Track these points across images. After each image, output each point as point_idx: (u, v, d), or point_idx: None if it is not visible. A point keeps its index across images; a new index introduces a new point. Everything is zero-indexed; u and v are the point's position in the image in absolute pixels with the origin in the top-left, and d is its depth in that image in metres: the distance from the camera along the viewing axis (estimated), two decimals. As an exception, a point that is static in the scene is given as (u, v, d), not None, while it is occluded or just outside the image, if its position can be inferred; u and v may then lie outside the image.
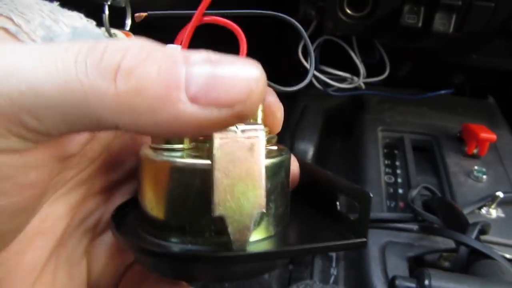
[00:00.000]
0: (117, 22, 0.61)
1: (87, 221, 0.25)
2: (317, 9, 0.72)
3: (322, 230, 0.24)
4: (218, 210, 0.19)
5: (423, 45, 0.69)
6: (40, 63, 0.14)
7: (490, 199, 0.64)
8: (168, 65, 0.14)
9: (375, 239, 0.61)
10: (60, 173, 0.22)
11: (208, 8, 0.23)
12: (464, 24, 0.64)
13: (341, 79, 0.89)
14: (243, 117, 0.15)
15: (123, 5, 0.60)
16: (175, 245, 0.21)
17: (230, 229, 0.19)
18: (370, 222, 0.64)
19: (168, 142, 0.21)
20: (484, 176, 0.70)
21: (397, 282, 0.39)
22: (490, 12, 0.63)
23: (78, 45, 0.15)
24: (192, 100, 0.14)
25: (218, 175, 0.18)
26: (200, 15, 0.19)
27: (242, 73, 0.15)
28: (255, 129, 0.19)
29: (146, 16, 0.22)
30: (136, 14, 0.22)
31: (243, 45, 0.21)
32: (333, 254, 0.72)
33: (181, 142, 0.22)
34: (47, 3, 0.34)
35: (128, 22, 0.63)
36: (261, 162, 0.19)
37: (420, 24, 0.64)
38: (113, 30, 0.56)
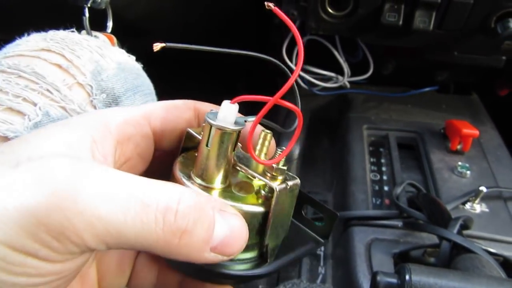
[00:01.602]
0: (99, 24, 0.61)
1: None
2: (299, 9, 0.72)
3: (294, 236, 0.29)
4: (267, 241, 0.25)
5: (404, 43, 0.70)
6: (128, 213, 0.19)
7: (474, 194, 0.65)
8: (209, 227, 0.21)
9: (361, 237, 0.61)
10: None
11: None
12: (444, 22, 0.65)
13: (326, 79, 0.89)
14: None
15: (104, 7, 0.60)
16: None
17: (269, 252, 0.26)
18: (356, 219, 0.64)
19: (203, 179, 0.25)
20: (468, 172, 0.71)
21: (379, 278, 0.39)
22: (469, 9, 0.63)
23: (156, 201, 0.20)
24: (212, 250, 0.22)
25: (273, 218, 0.25)
26: (278, 97, 0.23)
27: (241, 233, 0.23)
28: (294, 177, 0.26)
29: (163, 47, 0.24)
30: (155, 44, 0.24)
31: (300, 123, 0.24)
32: (321, 253, 0.72)
33: (209, 182, 0.25)
34: (94, 39, 0.37)
35: (110, 24, 0.63)
36: (295, 201, 0.26)
37: (400, 22, 0.64)
38: (95, 33, 0.56)
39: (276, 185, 0.24)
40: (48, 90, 0.30)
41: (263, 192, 0.26)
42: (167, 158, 0.28)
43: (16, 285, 0.18)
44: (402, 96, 0.90)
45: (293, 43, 0.84)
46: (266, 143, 0.26)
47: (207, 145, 0.24)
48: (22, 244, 0.17)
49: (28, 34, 0.36)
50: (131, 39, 0.62)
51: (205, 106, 0.28)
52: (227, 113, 0.24)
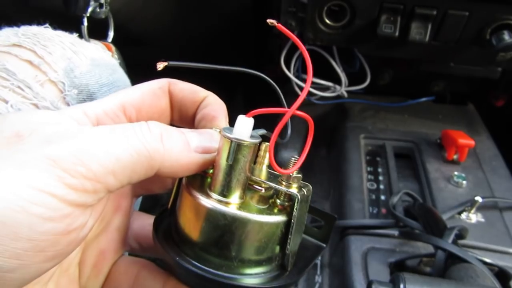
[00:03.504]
0: (100, 33, 0.61)
1: (80, 233, 0.28)
2: (298, 20, 0.73)
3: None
4: (289, 249, 0.26)
5: (400, 54, 0.70)
6: (117, 143, 0.22)
7: (470, 204, 0.65)
8: (181, 131, 0.25)
9: (358, 245, 0.62)
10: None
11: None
12: (440, 33, 0.66)
13: (324, 88, 0.90)
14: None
15: (103, 17, 0.61)
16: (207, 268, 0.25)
17: (290, 260, 0.26)
18: (352, 228, 0.64)
19: (224, 196, 0.25)
20: (464, 182, 0.71)
21: (374, 287, 0.39)
22: (465, 21, 0.64)
23: (133, 128, 0.23)
24: (196, 150, 0.25)
25: (295, 226, 0.25)
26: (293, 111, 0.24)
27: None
28: (306, 184, 0.27)
29: (166, 66, 0.26)
30: (158, 64, 0.26)
31: (311, 132, 0.26)
32: (318, 262, 0.72)
33: (230, 197, 0.26)
34: (67, 34, 0.36)
35: (111, 34, 0.63)
36: (308, 207, 0.27)
37: (397, 34, 0.65)
38: (94, 42, 0.56)
39: (297, 192, 0.25)
40: (19, 87, 0.30)
41: (278, 201, 0.26)
42: None
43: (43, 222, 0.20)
44: (399, 106, 0.91)
45: (291, 53, 0.85)
46: (267, 154, 0.27)
47: (227, 160, 0.24)
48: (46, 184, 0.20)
49: (0, 29, 0.35)
50: (131, 48, 0.63)
51: (180, 87, 0.29)
52: (244, 127, 0.24)
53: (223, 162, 0.25)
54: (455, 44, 0.68)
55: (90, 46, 0.37)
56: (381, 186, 0.74)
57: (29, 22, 0.37)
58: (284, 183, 0.26)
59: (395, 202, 0.66)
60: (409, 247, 0.61)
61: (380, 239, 0.62)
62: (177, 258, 0.25)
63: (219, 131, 0.27)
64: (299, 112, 0.24)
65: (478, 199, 0.64)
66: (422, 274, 0.54)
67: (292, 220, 0.25)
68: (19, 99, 0.29)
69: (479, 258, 0.47)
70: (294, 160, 0.26)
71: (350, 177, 0.74)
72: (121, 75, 0.40)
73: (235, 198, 0.25)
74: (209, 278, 0.24)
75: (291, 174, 0.26)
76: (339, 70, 0.86)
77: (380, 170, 0.77)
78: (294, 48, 0.84)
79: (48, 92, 0.31)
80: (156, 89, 0.29)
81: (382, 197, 0.72)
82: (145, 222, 0.33)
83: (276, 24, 0.25)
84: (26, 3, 0.65)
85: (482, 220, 0.65)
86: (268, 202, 0.27)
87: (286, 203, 0.26)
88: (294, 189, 0.26)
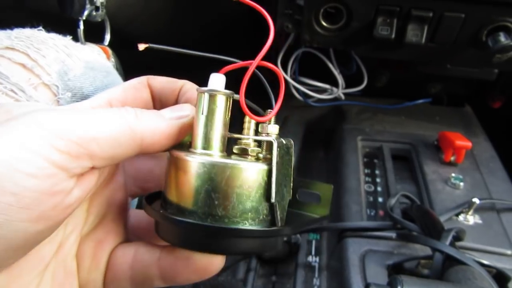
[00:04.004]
0: (97, 37, 0.61)
1: (77, 225, 0.28)
2: (294, 22, 0.73)
3: (296, 219, 0.29)
4: (275, 199, 0.25)
5: (397, 56, 0.71)
6: (101, 116, 0.23)
7: (467, 206, 0.65)
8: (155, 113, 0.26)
9: (355, 248, 0.62)
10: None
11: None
12: (436, 35, 0.66)
13: (321, 90, 0.90)
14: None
15: (99, 20, 0.61)
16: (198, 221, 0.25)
17: (278, 211, 0.25)
18: (350, 231, 0.64)
19: (203, 149, 0.26)
20: (461, 183, 0.71)
21: (371, 289, 0.39)
22: (461, 23, 0.64)
23: (112, 108, 0.25)
24: (170, 118, 0.26)
25: (276, 174, 0.25)
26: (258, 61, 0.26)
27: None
28: (289, 139, 0.27)
29: (146, 48, 0.27)
30: (139, 45, 0.27)
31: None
32: (316, 265, 0.72)
33: (209, 150, 0.26)
34: (61, 37, 0.36)
35: (107, 37, 0.63)
36: (292, 161, 0.27)
37: (393, 36, 0.65)
38: (91, 45, 0.56)
39: (273, 138, 0.26)
40: (12, 91, 0.30)
41: (261, 156, 0.27)
42: None
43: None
44: (396, 108, 0.91)
45: (287, 55, 0.85)
46: (251, 125, 0.28)
47: (202, 113, 0.26)
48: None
49: None
50: (128, 51, 0.63)
51: (158, 81, 0.30)
52: (216, 82, 0.26)
53: (199, 115, 0.26)
54: (451, 46, 0.68)
55: (83, 49, 0.37)
56: (379, 188, 0.74)
57: (25, 25, 0.37)
58: (263, 134, 0.27)
59: (393, 204, 0.66)
60: (407, 249, 0.61)
61: (377, 241, 0.62)
62: (161, 211, 0.26)
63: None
64: (265, 63, 0.26)
65: (476, 200, 0.64)
66: (420, 276, 0.54)
67: (273, 166, 0.25)
68: (12, 102, 0.29)
69: (477, 260, 0.47)
70: (269, 111, 0.27)
71: (348, 179, 0.74)
72: (115, 78, 0.40)
73: (215, 151, 0.26)
74: (195, 224, 0.24)
75: (267, 124, 0.27)
76: (336, 72, 0.86)
77: (377, 172, 0.77)
78: (291, 50, 0.84)
79: (41, 95, 0.31)
80: (136, 84, 0.30)
81: (380, 199, 0.72)
82: (142, 216, 0.32)
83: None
84: (21, 6, 0.65)
85: (480, 221, 0.65)
86: (252, 157, 0.27)
87: (268, 156, 0.26)
88: (273, 136, 0.26)
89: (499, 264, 0.54)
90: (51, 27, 0.38)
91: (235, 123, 0.28)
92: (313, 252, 0.74)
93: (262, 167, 0.25)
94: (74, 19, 0.56)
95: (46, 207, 0.21)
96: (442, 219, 0.60)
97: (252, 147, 0.27)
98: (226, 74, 0.26)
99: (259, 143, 0.27)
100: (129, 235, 0.31)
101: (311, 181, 0.29)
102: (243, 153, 0.27)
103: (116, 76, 0.40)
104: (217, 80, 0.26)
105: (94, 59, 0.38)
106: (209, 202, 0.25)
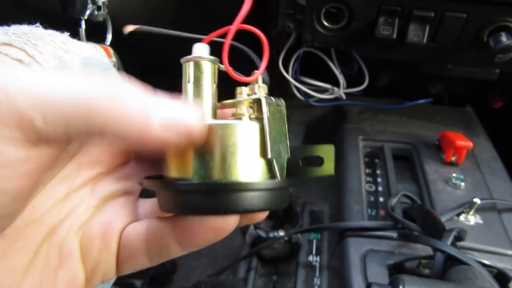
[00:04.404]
0: (99, 36, 0.61)
1: (76, 210, 0.27)
2: (296, 22, 0.73)
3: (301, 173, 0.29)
4: (270, 154, 0.25)
5: (398, 56, 0.71)
6: (55, 80, 0.19)
7: (468, 206, 0.65)
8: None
9: (356, 248, 0.62)
10: (50, 169, 0.24)
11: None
12: (438, 35, 0.66)
13: (322, 90, 0.90)
14: None
15: (101, 19, 0.61)
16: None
17: (276, 168, 0.25)
18: (351, 230, 0.64)
19: None
20: (462, 183, 0.71)
21: (373, 289, 0.39)
22: (462, 23, 0.64)
23: (84, 74, 0.20)
24: (161, 125, 0.20)
25: (269, 129, 0.25)
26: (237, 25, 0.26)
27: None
28: (279, 98, 0.27)
29: (135, 30, 0.27)
30: (127, 27, 0.27)
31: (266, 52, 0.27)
32: (317, 264, 0.72)
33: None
34: (58, 34, 0.36)
35: (109, 36, 0.63)
36: (285, 120, 0.27)
37: (394, 36, 0.65)
38: (92, 45, 0.56)
39: (261, 96, 0.26)
40: None
41: (253, 116, 0.27)
42: None
43: None
44: (397, 107, 0.91)
45: (289, 55, 0.85)
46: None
47: (188, 81, 0.26)
48: None
49: None
50: (130, 50, 0.63)
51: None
52: (199, 50, 0.26)
53: (185, 84, 0.26)
54: (452, 46, 0.68)
55: (81, 45, 0.36)
56: (380, 188, 0.74)
57: (27, 24, 0.37)
58: (252, 94, 0.27)
59: (394, 204, 0.66)
60: (408, 249, 0.61)
61: (378, 241, 0.62)
62: (160, 179, 0.25)
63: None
64: (247, 26, 0.26)
65: (477, 200, 0.64)
66: (421, 276, 0.54)
67: (264, 121, 0.25)
68: None
69: (478, 260, 0.47)
70: (256, 71, 0.27)
71: (349, 179, 0.74)
72: (113, 74, 0.39)
73: (205, 117, 0.26)
74: (191, 185, 0.24)
75: (255, 85, 0.27)
76: (337, 72, 0.86)
77: (378, 172, 0.78)
78: (292, 50, 0.84)
79: None
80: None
81: (381, 199, 0.72)
82: (150, 204, 0.32)
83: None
84: (23, 6, 0.65)
85: (481, 222, 0.65)
86: (242, 119, 0.27)
87: (260, 116, 0.26)
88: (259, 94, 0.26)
89: (500, 264, 0.55)
90: (53, 27, 0.38)
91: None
92: (314, 252, 0.74)
93: (254, 123, 0.25)
94: (76, 19, 0.56)
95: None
96: (443, 219, 0.60)
97: (244, 111, 0.27)
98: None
99: (252, 109, 0.27)
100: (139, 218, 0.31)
101: (311, 146, 0.28)
102: (237, 118, 0.27)
103: (114, 73, 0.40)
104: (200, 49, 0.26)
105: (92, 55, 0.38)
106: (205, 165, 0.24)
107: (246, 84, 0.28)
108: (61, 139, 0.20)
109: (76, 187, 0.28)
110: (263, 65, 0.27)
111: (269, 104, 0.25)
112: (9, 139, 0.19)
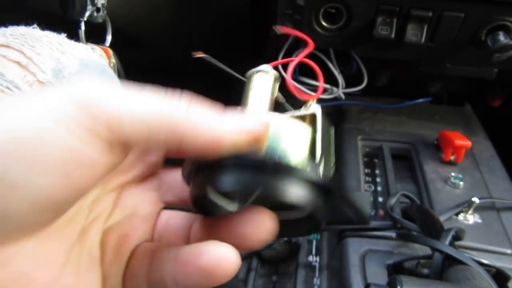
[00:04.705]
0: (98, 38, 0.62)
1: (102, 215, 0.28)
2: (294, 22, 0.73)
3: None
4: (320, 156, 0.27)
5: (397, 56, 0.71)
6: (139, 98, 0.22)
7: (467, 205, 0.65)
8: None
9: (355, 248, 0.62)
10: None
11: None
12: (436, 35, 0.66)
13: (321, 90, 0.90)
14: None
15: (101, 21, 0.61)
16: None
17: (321, 168, 0.27)
18: (350, 230, 0.64)
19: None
20: (461, 183, 0.71)
21: (371, 289, 0.39)
22: (460, 22, 0.64)
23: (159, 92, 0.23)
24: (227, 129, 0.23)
25: (320, 136, 0.28)
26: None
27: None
28: (331, 123, 0.30)
29: (201, 57, 0.31)
30: (195, 52, 0.31)
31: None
32: (316, 264, 0.72)
33: None
34: (55, 35, 0.36)
35: (108, 38, 0.64)
36: (332, 143, 0.30)
37: (393, 36, 0.65)
38: (91, 46, 0.56)
39: (317, 108, 0.30)
40: (8, 88, 0.30)
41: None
42: None
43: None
44: (396, 107, 0.91)
45: (288, 55, 0.85)
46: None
47: (251, 89, 0.29)
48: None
49: None
50: (130, 51, 0.63)
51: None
52: (265, 67, 0.30)
53: (248, 93, 0.29)
54: (451, 45, 0.68)
55: (78, 46, 0.36)
56: (379, 188, 0.74)
57: (24, 26, 0.37)
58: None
59: (393, 204, 0.66)
60: (407, 249, 0.61)
61: (377, 241, 0.62)
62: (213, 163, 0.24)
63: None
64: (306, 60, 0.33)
65: (475, 200, 0.64)
66: (419, 276, 0.54)
67: (317, 127, 0.28)
68: None
69: (476, 260, 0.47)
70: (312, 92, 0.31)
71: (348, 179, 0.75)
72: (110, 75, 0.40)
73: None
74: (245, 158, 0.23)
75: (310, 103, 0.30)
76: (336, 72, 0.86)
77: (377, 171, 0.78)
78: (291, 50, 0.84)
79: None
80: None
81: (380, 199, 0.72)
82: (170, 218, 0.31)
83: (278, 30, 0.30)
84: (22, 7, 0.65)
85: (479, 221, 0.65)
86: None
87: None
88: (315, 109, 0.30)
89: (499, 264, 0.55)
90: (52, 29, 0.38)
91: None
92: (313, 252, 0.74)
93: (307, 126, 0.27)
94: (76, 20, 0.57)
95: (70, 177, 0.20)
96: (441, 218, 0.60)
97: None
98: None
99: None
100: (155, 236, 0.30)
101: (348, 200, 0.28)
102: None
103: (111, 74, 0.40)
104: (266, 66, 0.30)
105: (89, 57, 0.38)
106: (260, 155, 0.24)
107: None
108: (139, 144, 0.22)
109: (106, 192, 0.28)
110: (320, 90, 0.34)
111: (321, 115, 0.29)
112: (96, 138, 0.20)
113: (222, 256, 0.23)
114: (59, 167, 0.20)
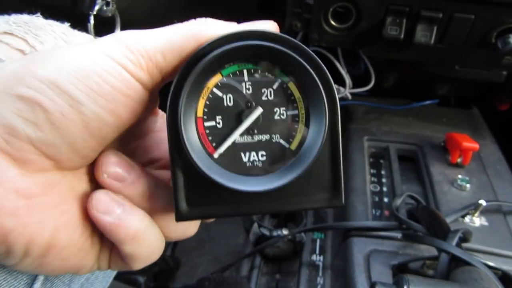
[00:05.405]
0: (107, 32, 0.62)
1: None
2: (303, 21, 0.73)
3: None
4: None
5: (405, 57, 0.70)
6: (167, 30, 0.28)
7: (473, 208, 0.65)
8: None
9: (360, 247, 0.62)
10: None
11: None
12: (445, 36, 0.66)
13: (328, 90, 0.90)
14: None
15: (110, 15, 0.61)
16: None
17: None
18: (355, 230, 0.64)
19: None
20: (468, 185, 0.71)
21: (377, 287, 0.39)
22: (470, 24, 0.64)
23: (190, 22, 0.29)
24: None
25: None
26: None
27: None
28: None
29: None
30: None
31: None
32: (320, 264, 0.72)
33: None
34: (59, 24, 0.36)
35: (117, 31, 0.64)
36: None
37: (402, 36, 0.65)
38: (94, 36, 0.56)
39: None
40: None
41: None
42: None
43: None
44: (403, 108, 0.91)
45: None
46: None
47: None
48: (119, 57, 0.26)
49: None
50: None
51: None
52: None
53: None
54: (460, 47, 0.68)
55: (81, 36, 0.36)
56: (384, 189, 0.74)
57: (27, 14, 0.36)
58: None
59: (398, 205, 0.66)
60: (412, 250, 0.60)
61: (383, 241, 0.62)
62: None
63: None
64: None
65: (482, 202, 0.64)
66: (425, 277, 0.54)
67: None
68: None
69: (483, 262, 0.47)
70: None
71: (354, 179, 0.74)
72: None
73: None
74: None
75: None
76: (343, 71, 0.86)
77: (383, 172, 0.77)
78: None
79: None
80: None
81: (385, 200, 0.72)
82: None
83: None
84: (34, 1, 0.65)
85: (486, 223, 0.65)
86: None
87: None
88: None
89: (505, 266, 0.54)
90: (62, 21, 0.38)
91: None
92: (317, 251, 0.74)
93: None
94: (85, 14, 0.57)
95: (119, 104, 0.26)
96: (448, 220, 0.60)
97: None
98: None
99: None
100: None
101: None
102: None
103: None
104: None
105: None
106: None
107: None
108: (172, 59, 0.27)
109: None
110: None
111: None
112: (140, 69, 0.26)
113: None
114: (113, 93, 0.25)
